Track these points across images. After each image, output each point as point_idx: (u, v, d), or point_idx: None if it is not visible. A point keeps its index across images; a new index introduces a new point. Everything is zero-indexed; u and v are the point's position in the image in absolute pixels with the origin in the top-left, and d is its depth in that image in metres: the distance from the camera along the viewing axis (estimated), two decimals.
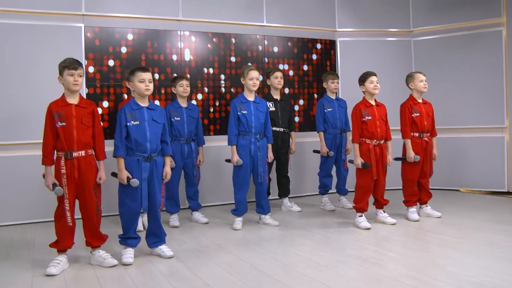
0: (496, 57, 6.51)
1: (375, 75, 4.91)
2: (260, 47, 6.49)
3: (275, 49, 6.60)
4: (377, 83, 4.88)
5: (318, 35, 6.90)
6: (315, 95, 6.85)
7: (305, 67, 6.80)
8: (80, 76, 3.72)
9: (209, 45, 6.19)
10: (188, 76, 5.92)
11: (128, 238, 3.90)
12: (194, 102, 5.96)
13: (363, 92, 4.96)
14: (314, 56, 6.87)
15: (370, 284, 3.21)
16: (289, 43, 6.69)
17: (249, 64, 6.22)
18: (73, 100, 3.73)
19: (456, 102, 6.77)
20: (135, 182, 3.73)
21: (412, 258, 3.79)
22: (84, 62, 5.46)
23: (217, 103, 6.19)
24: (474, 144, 6.68)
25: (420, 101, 5.15)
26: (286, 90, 6.60)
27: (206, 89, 6.14)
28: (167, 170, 4.01)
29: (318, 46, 6.90)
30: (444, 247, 4.08)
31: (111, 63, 5.66)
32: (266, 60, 6.52)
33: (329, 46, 6.99)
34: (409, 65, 7.05)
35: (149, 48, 5.85)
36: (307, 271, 3.52)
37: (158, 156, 3.94)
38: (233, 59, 6.31)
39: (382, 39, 7.13)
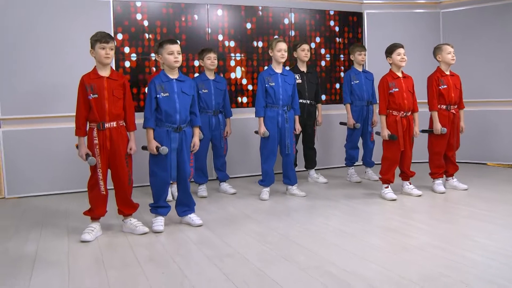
0: None
1: (402, 47, 4.88)
2: (286, 20, 6.47)
3: (302, 22, 6.56)
4: (404, 55, 4.85)
5: (345, 7, 6.84)
6: (342, 68, 6.82)
7: (332, 40, 6.76)
8: (112, 49, 3.78)
9: (234, 18, 6.18)
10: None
11: (158, 207, 4.00)
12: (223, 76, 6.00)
13: (390, 64, 4.93)
14: (341, 29, 6.82)
15: (397, 253, 3.25)
16: (316, 16, 6.65)
17: (276, 36, 6.21)
18: (105, 73, 3.80)
19: (485, 75, 6.68)
20: (164, 149, 3.81)
21: (439, 229, 3.82)
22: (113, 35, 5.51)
23: (243, 76, 6.22)
24: (502, 118, 6.61)
25: (447, 73, 5.10)
26: (323, 63, 6.59)
27: (232, 62, 6.16)
28: (196, 140, 4.08)
29: (345, 18, 6.84)
30: (471, 219, 4.09)
31: (139, 36, 5.70)
32: (293, 33, 6.50)
33: (357, 18, 6.93)
34: (437, 37, 6.95)
35: (177, 21, 5.87)
36: (336, 240, 3.58)
37: (187, 127, 4.00)
38: (260, 32, 6.30)
39: (410, 11, 7.03)
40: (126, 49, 5.65)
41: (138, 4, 5.69)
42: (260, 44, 6.31)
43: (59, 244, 3.65)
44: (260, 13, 6.31)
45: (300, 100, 5.44)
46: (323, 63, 6.72)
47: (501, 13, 6.56)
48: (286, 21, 6.47)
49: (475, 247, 3.35)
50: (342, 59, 6.85)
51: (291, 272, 2.97)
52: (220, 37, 6.11)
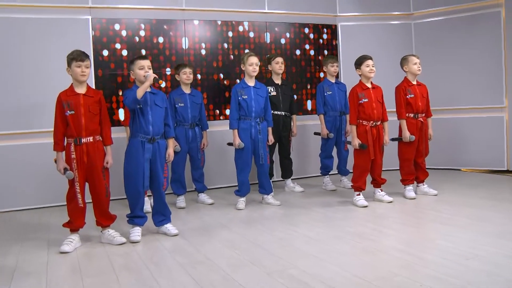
0: (495, 38, 6.62)
1: (371, 59, 5.07)
2: (262, 34, 6.66)
3: (277, 36, 6.76)
4: (373, 66, 5.04)
5: (319, 20, 7.05)
6: (313, 80, 7.02)
7: (306, 52, 6.96)
8: (87, 67, 3.96)
9: (211, 33, 6.37)
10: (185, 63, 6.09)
11: (135, 217, 4.16)
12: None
13: (359, 75, 5.13)
14: (315, 41, 7.03)
15: (360, 257, 3.43)
16: (291, 29, 6.85)
17: (247, 51, 6.41)
18: (81, 90, 3.98)
19: (456, 83, 6.91)
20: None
21: (405, 233, 4.01)
22: (91, 53, 5.67)
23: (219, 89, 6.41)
24: (474, 124, 6.83)
25: (414, 83, 5.32)
26: (292, 76, 6.79)
27: (211, 76, 6.35)
28: (170, 151, 4.26)
29: (319, 31, 7.05)
30: (436, 223, 4.29)
31: (118, 53, 5.88)
32: (269, 46, 6.69)
33: (330, 30, 7.14)
34: (410, 47, 7.19)
35: (154, 37, 6.05)
36: (302, 245, 3.76)
37: (161, 139, 4.17)
38: (235, 46, 6.50)
39: (383, 23, 7.27)
40: (111, 65, 5.83)
41: (117, 20, 5.87)
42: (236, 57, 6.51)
43: (39, 256, 3.79)
44: (235, 27, 6.50)
45: (276, 112, 5.64)
46: (295, 75, 6.91)
47: (470, 23, 6.80)
48: (261, 35, 6.67)
49: (433, 248, 3.54)
50: (313, 71, 7.05)
51: (256, 275, 3.14)
52: (199, 51, 6.29)
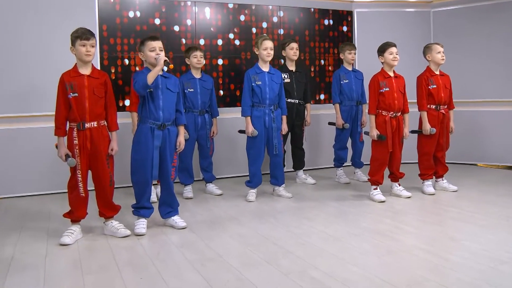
0: None
1: (395, 46, 4.81)
2: (275, 18, 6.40)
3: (290, 20, 6.49)
4: (397, 54, 4.78)
5: (334, 5, 6.77)
6: (330, 67, 6.76)
7: (321, 38, 6.69)
8: (93, 46, 3.69)
9: (222, 16, 6.11)
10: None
11: (141, 208, 3.91)
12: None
13: (381, 63, 4.86)
14: (330, 27, 6.76)
15: (382, 257, 3.19)
16: (304, 14, 6.57)
17: (264, 34, 6.13)
18: (86, 70, 3.71)
19: (476, 75, 6.62)
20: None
21: (426, 231, 3.77)
22: (97, 32, 5.41)
23: (231, 74, 6.15)
24: (493, 118, 6.56)
25: (437, 73, 5.04)
26: (306, 63, 6.53)
27: (220, 61, 6.08)
28: (181, 139, 3.99)
29: (335, 17, 6.78)
30: (459, 221, 4.04)
31: (125, 33, 5.61)
32: (282, 31, 6.43)
33: (346, 16, 6.86)
34: (427, 36, 6.89)
35: (162, 18, 5.79)
36: (320, 243, 3.51)
37: (171, 126, 3.91)
38: (247, 30, 6.23)
39: (401, 10, 6.97)
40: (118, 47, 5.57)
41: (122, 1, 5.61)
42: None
43: (38, 247, 3.56)
44: (247, 10, 6.23)
45: (289, 100, 5.37)
46: (312, 62, 6.65)
47: (492, 12, 6.51)
48: (274, 19, 6.40)
49: (460, 249, 3.30)
50: (328, 59, 6.78)
51: (272, 276, 2.90)
52: (207, 36, 6.03)
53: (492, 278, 2.76)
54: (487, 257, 3.11)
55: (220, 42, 6.09)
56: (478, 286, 2.65)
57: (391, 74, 4.83)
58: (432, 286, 2.66)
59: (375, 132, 4.74)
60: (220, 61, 6.09)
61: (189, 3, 5.93)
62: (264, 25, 6.33)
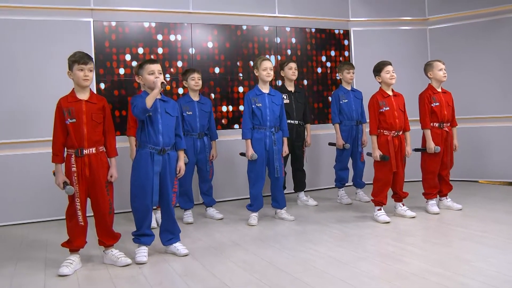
0: None
1: (390, 64, 4.78)
2: (272, 39, 6.36)
3: (287, 41, 6.46)
4: (393, 72, 4.74)
5: (331, 25, 6.76)
6: (327, 87, 6.72)
7: (318, 58, 6.66)
8: (91, 70, 3.62)
9: (219, 37, 6.07)
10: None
11: (141, 236, 3.80)
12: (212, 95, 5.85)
13: (379, 82, 4.82)
14: (327, 47, 6.73)
15: (394, 282, 3.09)
16: (301, 34, 6.55)
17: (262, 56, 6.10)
18: (83, 95, 3.63)
19: (474, 92, 6.60)
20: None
21: (435, 253, 3.66)
22: (93, 57, 5.35)
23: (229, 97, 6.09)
24: (492, 134, 6.53)
25: (439, 90, 5.00)
26: (305, 82, 6.48)
27: (220, 82, 6.03)
28: (181, 164, 3.90)
29: (331, 36, 6.75)
30: (467, 241, 3.94)
31: (121, 57, 5.56)
32: (279, 51, 6.40)
33: (343, 36, 6.84)
34: (424, 54, 6.89)
35: (159, 41, 5.75)
36: (328, 268, 3.40)
37: (171, 150, 3.83)
38: (245, 51, 6.19)
39: (397, 28, 6.97)
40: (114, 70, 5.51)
41: (120, 24, 5.55)
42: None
43: (35, 279, 3.43)
44: (245, 32, 6.20)
45: (289, 121, 5.30)
46: (306, 82, 6.61)
47: (488, 29, 6.51)
48: (272, 39, 6.36)
49: (472, 272, 3.19)
50: (326, 75, 6.74)
51: None
52: (204, 57, 5.98)
53: None
54: (502, 280, 3.01)
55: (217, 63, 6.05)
56: None
57: (390, 93, 4.78)
58: None
59: (377, 153, 4.67)
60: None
61: (185, 24, 5.89)
62: (261, 46, 6.29)
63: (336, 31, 6.80)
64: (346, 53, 6.86)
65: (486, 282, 2.98)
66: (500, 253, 3.57)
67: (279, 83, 6.13)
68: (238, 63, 6.16)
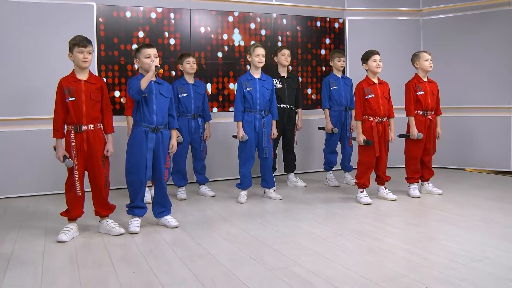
0: (504, 37, 6.50)
1: (378, 54, 4.98)
2: (269, 25, 6.56)
3: (284, 28, 6.66)
4: (380, 62, 4.95)
5: (326, 13, 6.94)
6: (319, 74, 6.93)
7: (313, 46, 6.86)
8: (90, 53, 3.86)
9: (217, 23, 6.27)
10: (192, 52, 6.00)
11: (135, 208, 4.07)
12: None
13: (365, 70, 5.03)
14: (322, 35, 6.93)
15: (365, 256, 3.35)
16: (297, 22, 6.74)
17: (254, 42, 6.31)
18: (83, 76, 3.88)
19: (464, 82, 6.80)
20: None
21: (409, 233, 3.91)
22: (95, 40, 5.58)
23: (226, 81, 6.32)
24: (480, 124, 6.73)
25: (425, 80, 5.21)
26: (299, 69, 6.70)
27: (216, 67, 6.25)
28: (173, 142, 4.17)
29: (327, 24, 6.95)
30: (441, 223, 4.19)
31: (121, 41, 5.78)
32: (275, 38, 6.59)
33: (338, 24, 7.03)
34: (417, 44, 7.07)
35: (160, 25, 5.95)
36: (306, 242, 3.67)
37: (164, 129, 4.09)
38: (241, 37, 6.40)
39: (391, 18, 7.15)
40: (115, 53, 5.74)
41: (121, 8, 5.77)
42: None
43: (36, 244, 3.72)
44: (242, 18, 6.40)
45: (280, 105, 5.54)
46: (303, 68, 6.81)
47: (480, 21, 6.69)
48: (268, 26, 6.56)
49: (438, 249, 3.45)
50: (319, 63, 6.95)
51: (258, 272, 3.06)
52: (202, 41, 6.20)
53: (464, 275, 2.93)
54: (462, 256, 3.28)
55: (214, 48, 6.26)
56: (452, 283, 2.81)
57: (376, 80, 5.00)
58: (408, 283, 2.82)
59: (362, 138, 4.91)
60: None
61: (185, 9, 6.09)
62: (258, 32, 6.49)
63: (331, 20, 6.98)
64: (341, 42, 7.04)
65: (447, 257, 3.25)
66: (468, 233, 3.83)
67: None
68: (234, 49, 6.37)
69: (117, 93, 5.77)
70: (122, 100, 5.75)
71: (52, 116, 3.89)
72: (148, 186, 4.85)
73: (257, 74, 5.07)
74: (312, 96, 6.86)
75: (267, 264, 3.19)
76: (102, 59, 5.70)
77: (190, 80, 5.28)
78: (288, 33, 6.69)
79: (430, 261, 3.20)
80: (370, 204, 4.88)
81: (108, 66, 5.73)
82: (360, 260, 3.27)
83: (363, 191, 4.99)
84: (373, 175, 5.06)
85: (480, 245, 3.50)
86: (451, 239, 3.67)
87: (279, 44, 6.56)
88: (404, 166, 5.35)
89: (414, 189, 5.22)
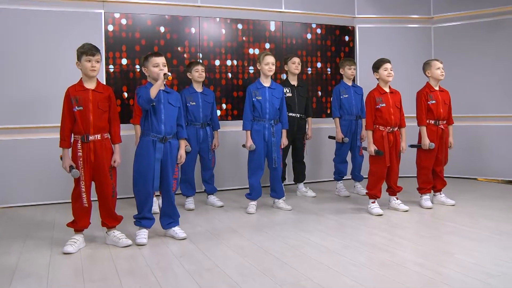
0: None
1: (389, 62, 4.91)
2: (278, 33, 6.51)
3: (293, 36, 6.61)
4: (391, 70, 4.88)
5: (336, 21, 6.89)
6: (332, 81, 6.86)
7: (323, 54, 6.80)
8: (98, 62, 3.81)
9: (226, 31, 6.23)
10: (201, 61, 5.97)
11: (142, 219, 4.01)
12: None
13: (377, 79, 4.96)
14: (332, 43, 6.87)
15: (376, 269, 3.26)
16: (307, 29, 6.69)
17: (265, 50, 6.26)
18: (90, 85, 3.83)
19: (476, 91, 6.71)
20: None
21: (421, 245, 3.83)
22: (103, 48, 5.55)
23: (235, 89, 6.26)
24: (493, 133, 6.64)
25: (436, 88, 5.14)
26: (309, 76, 6.64)
27: (226, 75, 6.20)
28: (182, 153, 4.10)
29: (337, 32, 6.89)
30: (454, 235, 4.10)
31: (130, 49, 5.75)
32: (284, 46, 6.54)
33: (348, 32, 6.98)
34: (429, 52, 7.00)
35: (167, 33, 5.92)
36: (316, 255, 3.59)
37: (173, 139, 4.03)
38: (250, 45, 6.35)
39: (402, 26, 7.08)
40: (124, 61, 5.71)
41: (130, 16, 5.74)
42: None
43: (41, 256, 3.66)
44: (251, 26, 6.36)
45: (290, 114, 5.48)
46: (311, 75, 6.75)
47: (492, 29, 6.61)
48: (277, 34, 6.51)
49: (452, 263, 3.36)
50: (329, 72, 6.88)
51: (267, 286, 2.98)
52: (211, 49, 6.15)
53: None
54: (478, 270, 3.18)
55: (223, 56, 6.21)
56: None
57: (387, 89, 4.92)
58: None
59: (372, 148, 4.83)
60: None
61: (193, 17, 6.06)
62: (267, 40, 6.44)
63: (342, 27, 6.92)
64: (351, 50, 6.98)
65: (463, 272, 3.15)
66: (482, 246, 3.73)
67: (284, 76, 6.29)
68: (243, 57, 6.32)
69: (124, 100, 5.73)
70: (129, 102, 5.71)
71: (59, 125, 3.84)
72: (156, 196, 4.81)
73: (266, 83, 5.01)
74: (322, 105, 6.79)
75: (277, 278, 3.11)
76: (109, 67, 5.66)
77: (198, 88, 5.24)
78: (298, 41, 6.63)
79: (445, 276, 3.11)
80: (381, 215, 4.79)
81: (116, 75, 5.69)
82: (371, 274, 3.18)
83: (374, 202, 4.90)
84: (384, 186, 4.98)
85: (495, 259, 3.40)
86: (465, 253, 3.57)
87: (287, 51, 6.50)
88: (415, 176, 5.26)
89: (426, 199, 5.13)
